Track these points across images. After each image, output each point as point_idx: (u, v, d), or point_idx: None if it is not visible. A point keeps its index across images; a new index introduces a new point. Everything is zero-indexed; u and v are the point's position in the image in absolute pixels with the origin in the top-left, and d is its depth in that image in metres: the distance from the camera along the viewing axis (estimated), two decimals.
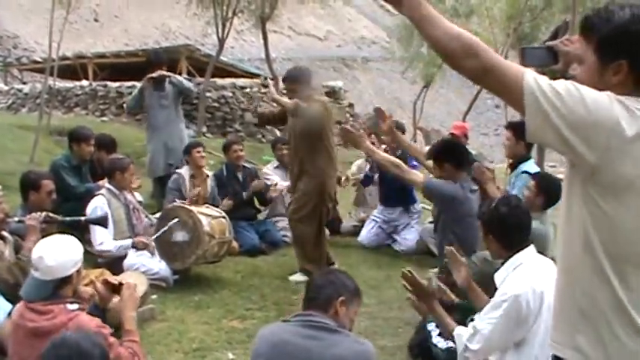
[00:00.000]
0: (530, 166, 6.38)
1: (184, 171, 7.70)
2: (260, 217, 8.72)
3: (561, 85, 2.08)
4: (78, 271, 3.76)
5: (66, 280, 3.69)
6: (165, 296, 6.16)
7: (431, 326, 4.56)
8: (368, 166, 9.02)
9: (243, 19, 16.61)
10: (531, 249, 3.80)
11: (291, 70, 7.38)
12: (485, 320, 3.61)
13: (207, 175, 7.88)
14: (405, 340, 5.34)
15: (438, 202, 5.61)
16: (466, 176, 5.79)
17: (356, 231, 9.05)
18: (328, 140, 6.79)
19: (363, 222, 9.07)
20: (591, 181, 2.12)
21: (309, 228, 6.84)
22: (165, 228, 6.29)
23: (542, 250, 5.02)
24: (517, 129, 6.35)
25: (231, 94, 17.09)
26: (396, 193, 8.24)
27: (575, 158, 2.11)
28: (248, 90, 17.51)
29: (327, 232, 8.54)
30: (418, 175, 5.60)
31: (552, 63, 2.83)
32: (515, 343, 3.62)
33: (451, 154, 5.76)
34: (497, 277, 3.79)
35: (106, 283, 4.07)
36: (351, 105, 21.75)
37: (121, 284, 4.03)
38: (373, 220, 8.58)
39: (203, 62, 18.64)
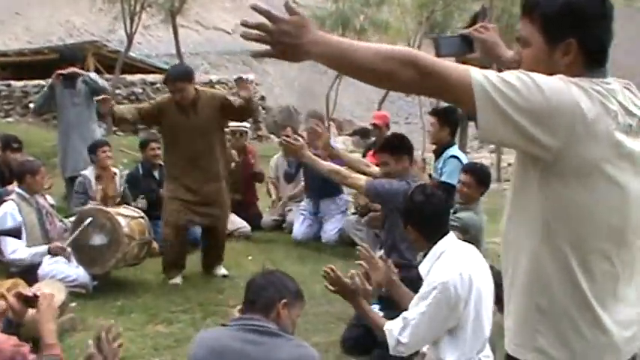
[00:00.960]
0: (456, 150, 6.42)
1: (89, 172, 7.38)
2: None
3: (512, 76, 1.94)
4: None
5: None
6: (85, 304, 5.88)
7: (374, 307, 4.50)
8: (285, 162, 8.94)
9: (151, 14, 16.22)
10: (451, 235, 3.78)
11: (177, 67, 7.29)
12: (415, 311, 3.55)
13: (115, 174, 7.59)
14: (338, 335, 5.28)
15: (383, 202, 5.46)
16: (414, 171, 5.71)
17: (278, 225, 8.97)
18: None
19: (283, 216, 9.00)
20: (553, 169, 1.98)
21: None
22: (81, 228, 6.00)
23: (476, 241, 5.07)
24: (442, 115, 6.39)
25: (141, 91, 16.71)
26: (320, 184, 8.16)
27: (537, 150, 1.96)
28: (158, 85, 17.12)
29: (248, 227, 8.46)
30: (359, 178, 5.44)
31: (468, 52, 2.74)
32: (448, 330, 3.58)
33: (407, 147, 5.62)
34: (422, 269, 3.75)
35: (19, 296, 3.72)
36: (263, 98, 21.57)
37: (36, 296, 3.69)
38: (301, 213, 8.50)
39: (111, 58, 18.13)
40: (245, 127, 9.19)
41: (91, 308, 5.83)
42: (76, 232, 6.01)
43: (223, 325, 3.27)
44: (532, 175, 2.05)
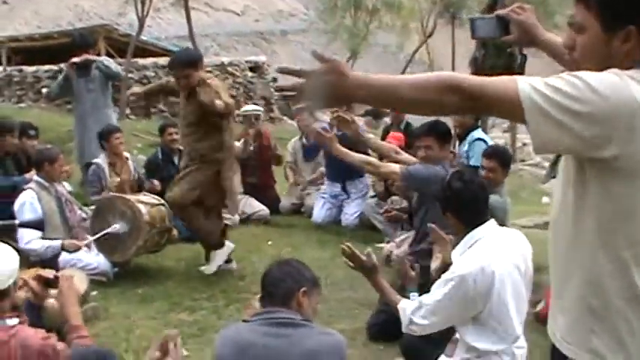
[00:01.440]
0: (480, 133, 6.34)
1: (101, 160, 7.27)
2: None
3: (560, 80, 1.85)
4: (14, 282, 3.32)
5: (3, 294, 3.24)
6: (106, 292, 5.84)
7: (413, 296, 4.44)
8: (303, 141, 8.88)
9: None
10: (491, 223, 3.69)
11: (183, 52, 6.84)
12: (432, 296, 3.52)
13: (127, 158, 7.51)
14: (363, 321, 5.22)
15: (420, 188, 5.33)
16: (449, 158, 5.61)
17: (296, 209, 8.91)
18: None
19: (302, 199, 8.93)
20: (611, 168, 1.89)
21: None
22: (104, 233, 5.96)
23: (502, 224, 4.98)
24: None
25: (153, 74, 16.63)
26: (340, 167, 8.08)
27: (597, 152, 1.87)
28: None
29: (267, 211, 8.41)
30: (393, 167, 5.30)
31: (504, 34, 2.66)
32: (472, 319, 3.53)
33: (450, 134, 5.50)
34: (455, 253, 3.68)
35: (38, 278, 3.66)
36: (274, 80, 21.45)
37: (56, 277, 3.65)
38: (321, 197, 8.43)
39: (122, 42, 18.07)
40: (258, 110, 9.11)
41: (112, 296, 5.79)
42: (99, 235, 5.97)
43: (245, 321, 3.21)
44: (589, 173, 1.97)
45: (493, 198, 5.53)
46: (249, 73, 19.37)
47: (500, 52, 7.02)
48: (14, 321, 3.23)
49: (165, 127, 8.26)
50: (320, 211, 8.39)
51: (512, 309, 3.53)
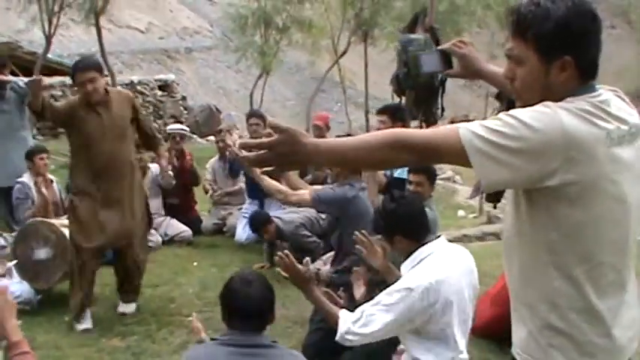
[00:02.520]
0: None
1: (27, 179, 7.11)
2: None
3: (496, 122, 1.98)
4: None
5: None
6: (31, 321, 5.61)
7: None
8: (220, 163, 8.84)
9: (64, 13, 15.64)
10: (441, 240, 3.77)
11: (84, 58, 6.20)
12: (376, 306, 3.53)
13: (52, 181, 7.32)
14: (297, 339, 5.24)
15: (331, 210, 5.45)
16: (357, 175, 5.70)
17: (218, 229, 8.85)
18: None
19: (224, 219, 8.87)
20: (557, 193, 2.02)
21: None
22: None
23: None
24: (394, 112, 6.41)
25: (61, 93, 16.18)
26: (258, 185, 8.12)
27: (540, 182, 2.00)
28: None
29: (190, 232, 8.32)
30: (303, 194, 5.39)
31: (448, 68, 2.78)
32: (416, 331, 3.59)
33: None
34: (403, 268, 3.74)
35: None
36: (184, 98, 21.25)
37: None
38: (243, 216, 8.39)
39: (27, 60, 17.50)
40: (185, 129, 9.03)
41: (38, 325, 5.61)
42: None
43: (213, 339, 3.21)
44: (535, 199, 2.08)
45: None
46: (159, 92, 19.11)
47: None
48: None
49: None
50: (243, 230, 8.33)
51: (455, 324, 3.62)
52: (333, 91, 34.60)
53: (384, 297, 3.54)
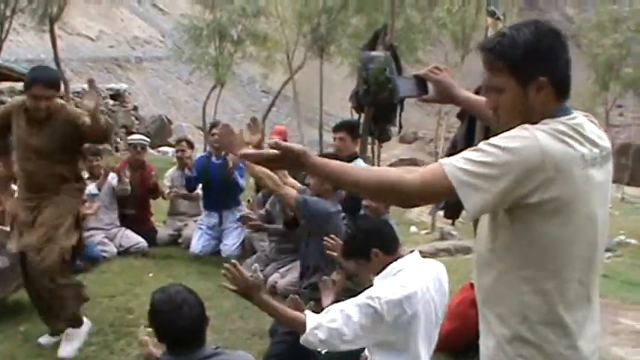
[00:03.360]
0: (361, 161, 6.55)
1: None
2: None
3: (475, 152, 2.11)
4: None
5: None
6: None
7: None
8: (180, 173, 8.79)
9: (19, 17, 15.38)
10: (415, 255, 3.83)
11: (44, 71, 5.46)
12: (341, 314, 3.51)
13: (14, 190, 7.18)
14: (257, 351, 5.23)
15: (311, 219, 5.42)
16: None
17: (173, 240, 8.80)
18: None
19: (179, 230, 8.83)
20: (532, 210, 2.13)
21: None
22: None
23: None
24: (352, 128, 6.53)
25: (9, 99, 15.87)
26: (218, 197, 8.12)
27: (521, 201, 2.12)
28: None
29: (145, 243, 8.25)
30: (290, 191, 5.38)
31: (423, 93, 2.88)
32: (381, 342, 3.63)
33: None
34: (377, 279, 3.76)
35: None
36: (135, 108, 21.10)
37: None
38: (199, 227, 8.37)
39: None
40: (145, 140, 8.96)
41: None
42: None
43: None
44: (515, 215, 2.18)
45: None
46: (111, 101, 18.94)
47: (382, 87, 7.40)
48: None
49: None
50: (198, 242, 8.31)
51: (420, 337, 3.68)
52: (282, 105, 34.73)
53: (352, 305, 3.54)
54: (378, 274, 3.78)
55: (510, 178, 2.05)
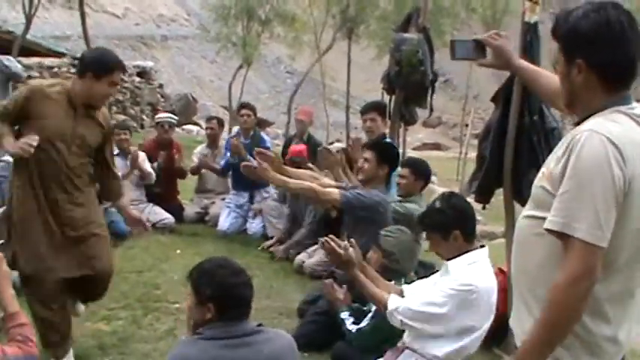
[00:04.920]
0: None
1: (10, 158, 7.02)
2: None
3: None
4: None
5: None
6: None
7: (344, 315, 4.50)
8: (209, 150, 8.82)
9: None
10: (486, 250, 3.83)
11: (112, 54, 4.62)
12: (425, 296, 3.67)
13: None
14: (284, 329, 5.15)
15: (361, 214, 5.30)
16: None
17: (200, 218, 8.83)
18: None
19: (206, 208, 8.86)
20: None
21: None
22: None
23: (421, 232, 5.19)
24: (382, 109, 6.52)
25: (38, 75, 15.92)
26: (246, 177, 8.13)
27: None
28: (56, 70, 16.43)
29: (172, 219, 8.27)
30: (333, 192, 5.34)
31: (481, 56, 2.88)
32: (459, 330, 3.66)
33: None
34: (453, 264, 3.74)
35: None
36: (161, 86, 21.12)
37: None
38: (227, 206, 8.40)
39: (4, 40, 17.25)
40: (173, 118, 8.95)
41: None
42: None
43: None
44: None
45: (412, 205, 5.73)
46: (137, 79, 18.95)
47: (414, 69, 7.32)
48: None
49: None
50: (225, 220, 8.35)
51: (484, 329, 3.74)
52: (306, 87, 34.67)
53: (438, 290, 3.65)
54: (450, 258, 3.76)
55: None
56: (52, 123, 4.29)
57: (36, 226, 4.38)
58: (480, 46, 2.85)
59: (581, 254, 2.08)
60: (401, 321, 3.68)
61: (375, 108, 6.73)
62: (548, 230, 2.14)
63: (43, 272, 4.37)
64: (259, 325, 3.15)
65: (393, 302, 3.72)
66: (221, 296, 3.05)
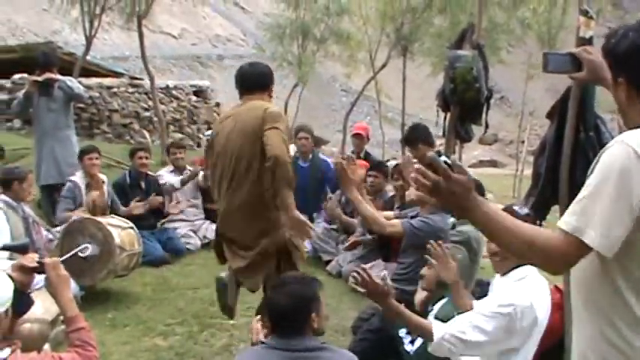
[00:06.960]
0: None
1: (79, 178, 7.21)
2: None
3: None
4: (6, 311, 2.98)
5: None
6: None
7: (402, 332, 4.48)
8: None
9: (107, 15, 15.75)
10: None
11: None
12: (475, 316, 3.55)
13: (104, 181, 7.40)
14: (338, 346, 5.24)
15: (418, 241, 5.15)
16: None
17: None
18: None
19: None
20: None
21: None
22: (73, 252, 5.77)
23: (477, 254, 5.13)
24: (427, 137, 6.47)
25: (97, 95, 16.28)
26: (308, 199, 8.10)
27: None
28: (115, 90, 16.76)
29: None
30: (396, 225, 5.39)
31: (575, 70, 2.88)
32: (501, 352, 3.59)
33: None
34: (498, 284, 3.73)
35: (20, 268, 3.15)
36: (217, 105, 21.36)
37: (40, 264, 3.14)
38: None
39: (65, 61, 17.68)
40: None
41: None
42: (68, 255, 5.58)
43: (262, 343, 3.23)
44: None
45: (468, 228, 5.66)
46: (194, 98, 19.21)
47: (469, 86, 7.29)
48: (6, 352, 2.94)
49: (135, 151, 8.22)
50: None
51: (533, 345, 3.65)
52: (361, 104, 34.62)
53: (488, 310, 3.54)
54: (503, 274, 3.72)
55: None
56: None
57: None
58: (575, 60, 2.85)
59: (578, 252, 2.09)
60: (448, 349, 3.57)
61: (419, 139, 6.55)
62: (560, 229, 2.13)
63: None
64: (323, 343, 3.19)
65: (438, 330, 3.56)
66: (268, 312, 3.23)
